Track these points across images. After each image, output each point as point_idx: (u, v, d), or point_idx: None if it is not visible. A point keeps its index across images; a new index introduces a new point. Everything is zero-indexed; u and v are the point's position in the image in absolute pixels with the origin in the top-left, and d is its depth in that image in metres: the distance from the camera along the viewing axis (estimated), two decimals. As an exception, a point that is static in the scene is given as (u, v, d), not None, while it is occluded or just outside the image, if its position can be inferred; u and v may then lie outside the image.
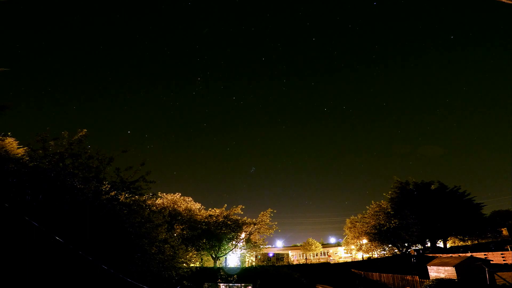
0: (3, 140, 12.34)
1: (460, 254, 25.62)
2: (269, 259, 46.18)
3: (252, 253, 38.87)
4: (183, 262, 18.41)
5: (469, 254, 23.52)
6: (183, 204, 33.47)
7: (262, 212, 35.64)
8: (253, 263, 42.05)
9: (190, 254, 21.97)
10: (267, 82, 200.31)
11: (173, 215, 30.67)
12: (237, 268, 31.82)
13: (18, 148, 12.62)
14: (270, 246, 60.59)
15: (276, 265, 38.76)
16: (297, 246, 63.73)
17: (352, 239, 44.00)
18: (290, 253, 58.67)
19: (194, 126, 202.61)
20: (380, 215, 39.42)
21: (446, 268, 22.14)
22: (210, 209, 35.83)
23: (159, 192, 32.80)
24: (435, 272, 23.40)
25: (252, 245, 35.72)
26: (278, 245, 62.41)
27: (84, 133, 14.36)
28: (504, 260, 22.41)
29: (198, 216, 33.48)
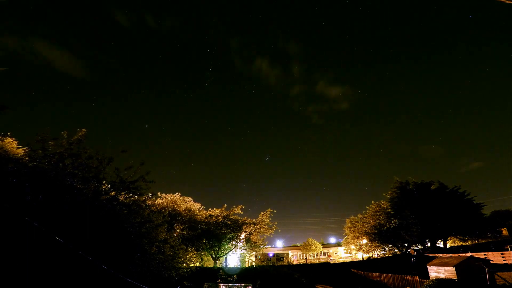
0: (3, 140, 12.32)
1: (460, 254, 25.61)
2: (269, 259, 46.16)
3: (252, 253, 38.82)
4: (183, 262, 18.39)
5: (469, 254, 23.51)
6: (183, 204, 33.43)
7: (262, 212, 35.64)
8: (253, 263, 42.01)
9: (190, 254, 21.93)
10: (278, 69, 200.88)
11: (173, 215, 30.65)
12: (237, 268, 31.78)
13: (18, 148, 12.59)
14: (270, 246, 60.59)
15: (276, 265, 38.71)
16: (297, 246, 63.71)
17: (352, 239, 43.96)
18: (290, 253, 58.65)
19: (209, 117, 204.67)
20: (380, 215, 39.39)
21: (446, 268, 22.14)
22: (210, 209, 35.83)
23: (158, 192, 32.77)
24: (435, 272, 23.39)
25: (252, 245, 35.69)
26: (278, 245, 62.39)
27: (83, 133, 14.34)
28: (504, 260, 22.41)
29: (198, 216, 33.44)
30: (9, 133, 12.81)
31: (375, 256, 43.15)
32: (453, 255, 26.20)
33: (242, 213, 34.83)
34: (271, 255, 48.71)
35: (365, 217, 41.80)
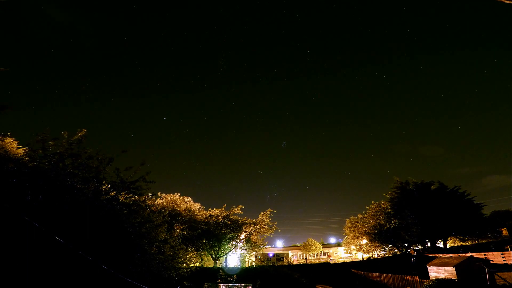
0: (3, 140, 12.31)
1: (460, 254, 25.61)
2: (269, 259, 46.15)
3: (252, 253, 38.83)
4: (183, 262, 18.39)
5: (469, 254, 23.50)
6: (183, 204, 33.45)
7: (262, 212, 35.64)
8: (253, 263, 42.01)
9: (190, 254, 21.93)
10: (289, 55, 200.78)
11: (173, 215, 30.65)
12: (237, 268, 31.79)
13: (18, 148, 12.59)
14: (270, 246, 60.59)
15: (276, 265, 38.71)
16: (297, 246, 63.71)
17: (352, 239, 43.96)
18: (290, 253, 58.65)
19: (223, 106, 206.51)
20: (380, 215, 39.39)
21: (446, 268, 22.14)
22: (210, 209, 35.85)
23: (158, 192, 32.80)
24: (435, 272, 23.39)
25: (252, 245, 35.69)
26: (278, 245, 62.40)
27: (83, 133, 14.35)
28: (504, 260, 22.40)
29: (198, 216, 33.46)
30: (9, 133, 12.80)
31: (375, 256, 43.15)
32: (453, 255, 26.19)
33: (242, 213, 34.90)
34: (271, 255, 48.70)
35: (365, 217, 41.80)
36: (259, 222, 35.19)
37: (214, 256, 33.96)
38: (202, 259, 35.75)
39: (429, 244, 40.75)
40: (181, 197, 34.25)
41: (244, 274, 28.18)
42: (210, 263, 36.26)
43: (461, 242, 40.82)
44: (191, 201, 34.97)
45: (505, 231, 41.10)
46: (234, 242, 34.32)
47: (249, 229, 35.30)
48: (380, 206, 40.72)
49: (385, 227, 37.65)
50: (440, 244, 40.86)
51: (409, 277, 24.73)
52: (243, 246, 35.76)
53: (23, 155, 12.51)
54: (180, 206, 32.90)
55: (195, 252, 28.31)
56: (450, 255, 26.79)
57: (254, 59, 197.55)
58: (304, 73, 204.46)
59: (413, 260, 34.72)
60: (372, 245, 39.97)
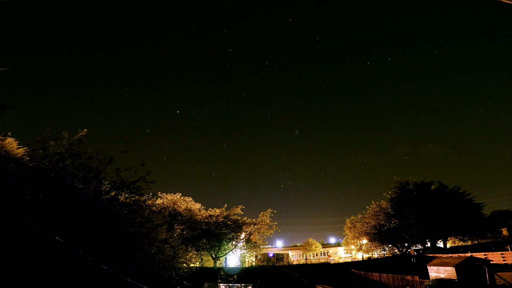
0: (3, 140, 12.32)
1: (460, 254, 25.61)
2: (269, 259, 46.16)
3: (252, 253, 38.87)
4: (183, 262, 18.41)
5: (469, 254, 23.51)
6: (183, 204, 33.46)
7: (262, 212, 35.67)
8: (253, 263, 42.05)
9: (190, 254, 21.96)
10: (297, 43, 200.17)
11: (173, 215, 30.66)
12: (237, 268, 31.80)
13: (18, 148, 12.59)
14: (270, 246, 60.62)
15: (276, 265, 38.73)
16: (297, 246, 63.75)
17: (352, 239, 44.00)
18: (290, 253, 58.66)
19: (234, 97, 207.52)
20: (380, 215, 39.41)
21: (446, 268, 22.14)
22: (210, 209, 35.89)
23: (159, 192, 32.81)
24: (435, 272, 23.39)
25: (252, 245, 35.72)
26: (278, 245, 62.42)
27: (84, 133, 14.36)
28: (504, 260, 22.40)
29: (198, 216, 33.47)
30: (9, 133, 12.80)
31: (375, 256, 43.16)
32: (453, 255, 26.20)
33: (242, 213, 34.95)
34: (271, 255, 48.70)
35: (365, 217, 41.83)
36: (259, 222, 35.22)
37: (214, 256, 33.97)
38: (202, 259, 35.77)
39: (429, 244, 40.74)
40: (182, 197, 34.29)
41: (244, 274, 28.19)
42: (210, 263, 36.27)
43: (461, 242, 40.82)
44: (192, 201, 35.00)
45: (505, 231, 41.10)
46: (234, 242, 34.33)
47: (249, 229, 35.32)
48: (380, 206, 40.73)
49: (385, 227, 37.66)
50: (440, 244, 40.86)
51: (409, 277, 24.74)
52: (243, 246, 35.79)
53: (23, 155, 12.51)
54: (180, 206, 32.91)
55: (195, 252, 28.32)
56: (450, 255, 26.79)
57: (263, 49, 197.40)
58: (314, 61, 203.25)
59: (413, 260, 34.73)
60: (372, 245, 39.99)
